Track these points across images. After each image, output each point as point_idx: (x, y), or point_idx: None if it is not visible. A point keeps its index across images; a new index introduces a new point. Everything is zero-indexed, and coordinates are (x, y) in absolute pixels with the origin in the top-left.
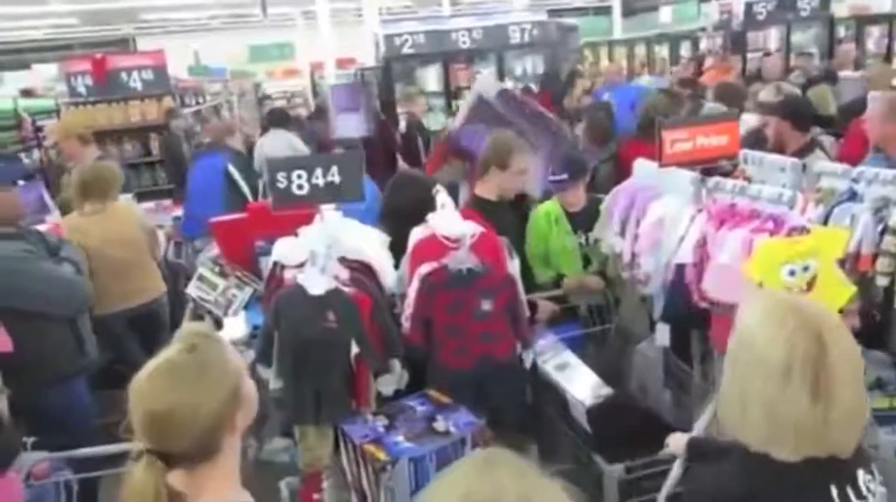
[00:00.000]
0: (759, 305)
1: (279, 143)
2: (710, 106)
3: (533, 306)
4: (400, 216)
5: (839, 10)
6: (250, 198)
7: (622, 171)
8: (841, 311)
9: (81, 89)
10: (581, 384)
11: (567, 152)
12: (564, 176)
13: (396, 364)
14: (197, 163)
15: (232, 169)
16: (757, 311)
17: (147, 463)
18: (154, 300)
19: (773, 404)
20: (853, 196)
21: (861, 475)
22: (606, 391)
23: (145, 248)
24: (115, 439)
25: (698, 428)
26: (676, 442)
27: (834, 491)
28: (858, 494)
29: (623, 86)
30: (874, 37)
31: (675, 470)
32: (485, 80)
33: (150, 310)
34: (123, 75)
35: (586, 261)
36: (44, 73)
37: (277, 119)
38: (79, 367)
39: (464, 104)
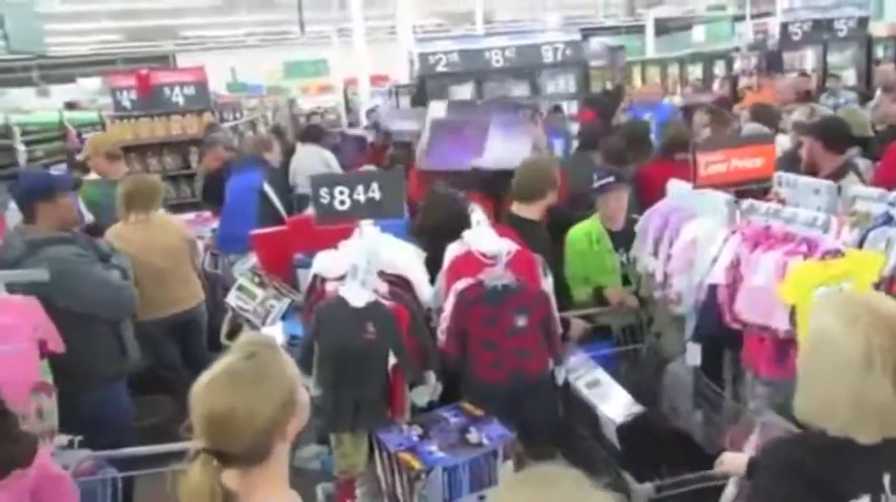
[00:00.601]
0: (829, 306)
1: (312, 159)
2: (751, 126)
3: (566, 324)
4: (435, 232)
5: (877, 29)
6: (284, 216)
7: (643, 191)
8: None
9: (126, 103)
10: (612, 401)
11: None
12: (610, 179)
13: (431, 376)
14: (234, 180)
15: (268, 188)
16: (829, 312)
17: (203, 461)
18: (193, 308)
19: (859, 392)
20: (889, 220)
21: None
22: (637, 409)
23: (186, 258)
24: (151, 441)
25: (749, 449)
26: (731, 461)
27: (887, 478)
28: None
29: (662, 104)
30: None
31: (730, 488)
32: (431, 109)
33: (189, 318)
34: (166, 90)
35: (625, 281)
36: (87, 87)
37: (311, 135)
38: (120, 370)
39: (423, 136)
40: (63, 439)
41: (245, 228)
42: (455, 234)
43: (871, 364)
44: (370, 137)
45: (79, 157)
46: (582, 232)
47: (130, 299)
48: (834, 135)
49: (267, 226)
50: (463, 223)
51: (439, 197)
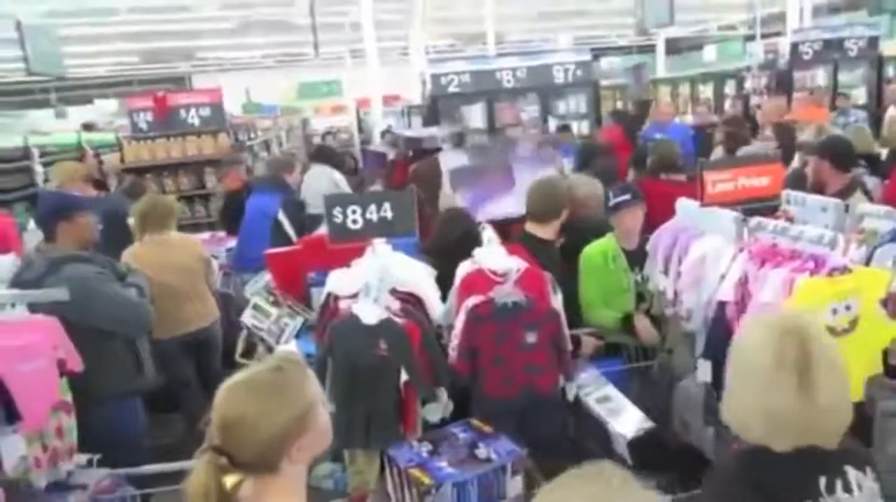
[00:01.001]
0: (751, 321)
1: (322, 180)
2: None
3: (577, 341)
4: (447, 251)
5: (888, 49)
6: (295, 240)
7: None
8: (885, 352)
9: (143, 125)
10: (623, 417)
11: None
12: (626, 196)
13: (443, 393)
14: (252, 200)
15: (282, 217)
16: (749, 326)
17: (209, 458)
18: (208, 326)
19: (769, 401)
20: None
21: (851, 470)
22: (648, 425)
23: (201, 277)
24: (165, 459)
25: None
26: None
27: (822, 481)
28: (847, 487)
29: (674, 124)
30: None
31: None
32: (444, 159)
33: (205, 336)
34: (182, 112)
35: (639, 299)
36: (104, 108)
37: (321, 155)
38: (136, 387)
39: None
40: (82, 458)
41: (260, 248)
42: (466, 253)
43: (779, 373)
44: (390, 154)
45: (49, 187)
46: (598, 250)
47: (147, 316)
48: (840, 153)
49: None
50: (474, 242)
51: (454, 214)
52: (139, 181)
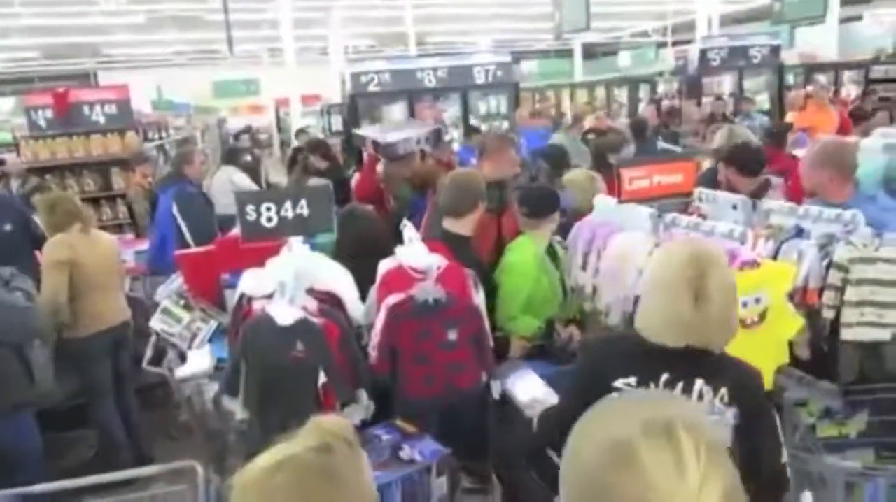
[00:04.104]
0: (666, 245)
1: (222, 180)
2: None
3: (505, 344)
4: (353, 252)
5: (789, 57)
6: (189, 239)
7: None
8: (791, 343)
9: (42, 123)
10: (530, 390)
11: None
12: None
13: (363, 394)
14: (160, 201)
15: (175, 211)
16: (663, 249)
17: None
18: (127, 320)
19: (670, 308)
20: (800, 232)
21: (700, 382)
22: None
23: (121, 271)
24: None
25: None
26: None
27: (663, 376)
28: (687, 390)
29: (533, 129)
30: (821, 83)
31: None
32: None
33: (122, 333)
34: (86, 109)
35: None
36: (1, 107)
37: (227, 156)
38: (28, 398)
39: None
40: None
41: (172, 249)
42: (373, 254)
43: (679, 287)
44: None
45: None
46: (530, 254)
47: (34, 321)
48: (746, 161)
49: (184, 248)
50: (379, 243)
51: (354, 217)
52: (43, 183)
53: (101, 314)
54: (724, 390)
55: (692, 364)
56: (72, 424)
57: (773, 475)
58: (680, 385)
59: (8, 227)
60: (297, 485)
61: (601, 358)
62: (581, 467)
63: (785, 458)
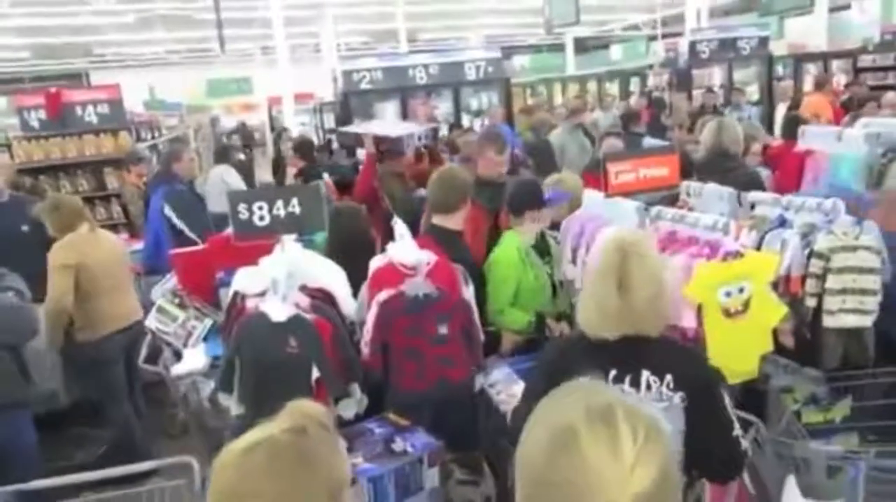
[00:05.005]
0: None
1: (214, 179)
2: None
3: (497, 338)
4: (341, 248)
5: (778, 48)
6: (189, 233)
7: None
8: (776, 331)
9: (34, 123)
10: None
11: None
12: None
13: (356, 388)
14: (152, 201)
15: (169, 211)
16: (597, 243)
17: None
18: (140, 319)
19: (598, 298)
20: (783, 222)
21: (646, 372)
22: None
23: (131, 270)
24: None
25: None
26: None
27: (612, 372)
28: (635, 383)
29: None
30: (811, 74)
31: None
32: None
33: (136, 332)
34: (78, 109)
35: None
36: None
37: (218, 154)
38: (23, 397)
39: None
40: None
41: (162, 250)
42: (361, 251)
43: (604, 276)
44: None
45: None
46: (513, 247)
47: (29, 320)
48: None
49: (181, 246)
50: (365, 241)
51: (339, 216)
52: (37, 184)
53: (113, 315)
54: (668, 376)
55: (634, 355)
56: (74, 422)
57: (726, 448)
58: (628, 379)
59: (25, 228)
60: (271, 465)
61: (557, 358)
62: (529, 452)
63: (737, 431)
